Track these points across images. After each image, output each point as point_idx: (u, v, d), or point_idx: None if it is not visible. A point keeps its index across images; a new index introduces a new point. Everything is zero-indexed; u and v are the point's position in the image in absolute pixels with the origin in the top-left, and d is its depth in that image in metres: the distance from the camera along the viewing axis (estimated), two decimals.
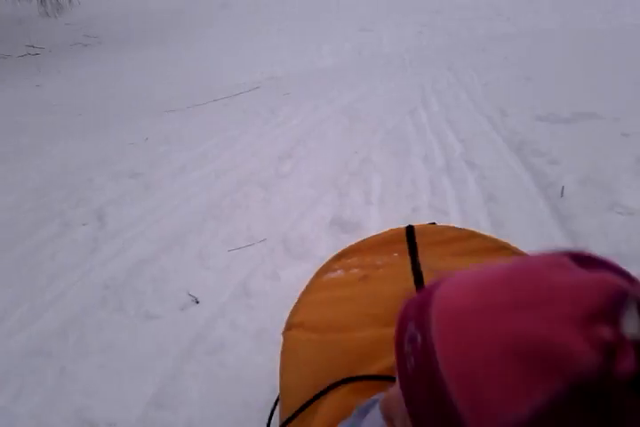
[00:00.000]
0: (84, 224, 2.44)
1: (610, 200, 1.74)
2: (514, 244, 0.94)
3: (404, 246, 1.01)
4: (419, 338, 0.40)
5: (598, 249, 1.47)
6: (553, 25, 6.73)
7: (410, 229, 1.04)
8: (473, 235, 1.03)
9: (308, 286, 1.07)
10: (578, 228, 1.60)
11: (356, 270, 1.05)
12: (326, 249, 1.79)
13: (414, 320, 0.42)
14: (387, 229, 1.00)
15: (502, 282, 0.37)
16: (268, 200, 2.38)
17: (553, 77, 3.42)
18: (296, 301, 1.04)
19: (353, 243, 1.10)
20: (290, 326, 0.99)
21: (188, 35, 11.51)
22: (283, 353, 0.96)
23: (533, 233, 1.63)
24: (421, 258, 0.97)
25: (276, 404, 1.00)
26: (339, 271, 1.07)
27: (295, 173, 2.65)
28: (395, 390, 0.44)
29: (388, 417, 0.47)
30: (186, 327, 1.54)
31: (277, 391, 0.91)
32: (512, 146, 2.40)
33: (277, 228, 2.12)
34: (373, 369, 0.76)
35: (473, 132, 2.70)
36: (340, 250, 1.10)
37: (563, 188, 1.84)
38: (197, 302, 1.69)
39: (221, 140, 3.46)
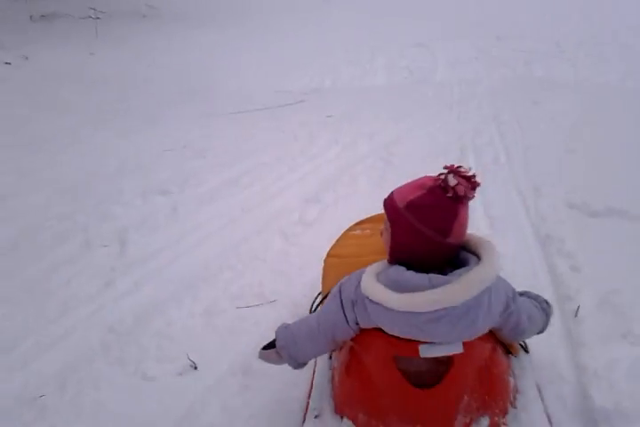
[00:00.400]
0: (105, 246, 2.50)
1: (624, 328, 1.73)
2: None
3: None
4: (389, 204, 1.19)
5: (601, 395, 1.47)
6: (615, 77, 6.55)
7: None
8: None
9: (339, 237, 1.94)
10: (586, 361, 1.60)
11: (367, 231, 1.91)
12: None
13: (388, 202, 1.20)
14: None
15: (416, 185, 1.17)
16: (286, 253, 2.41)
17: (597, 154, 3.37)
18: (333, 242, 1.89)
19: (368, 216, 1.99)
20: (328, 256, 1.83)
21: (248, 21, 11.46)
22: (323, 270, 1.78)
23: (544, 359, 1.62)
24: None
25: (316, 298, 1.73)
26: (357, 231, 1.96)
27: (318, 223, 2.67)
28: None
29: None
30: (178, 400, 1.58)
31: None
32: (539, 238, 2.39)
33: (289, 288, 2.14)
34: None
35: (503, 209, 2.69)
36: (359, 220, 2.00)
37: (578, 307, 1.84)
38: (196, 368, 1.73)
39: (254, 166, 3.49)
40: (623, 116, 4.25)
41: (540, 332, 1.45)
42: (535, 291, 1.47)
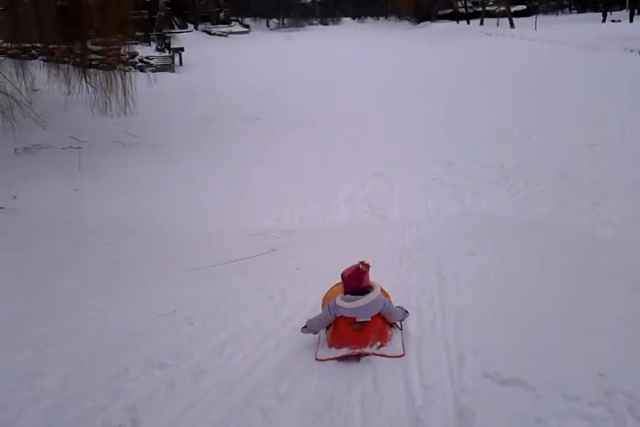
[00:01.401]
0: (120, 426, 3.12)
1: None
2: None
3: None
4: (341, 275, 3.85)
5: None
6: (547, 209, 7.48)
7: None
8: None
9: (327, 291, 4.25)
10: None
11: (336, 286, 4.06)
12: None
13: (342, 275, 3.82)
14: None
15: (349, 268, 3.74)
16: None
17: (519, 317, 4.15)
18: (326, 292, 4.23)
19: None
20: (323, 298, 4.18)
21: (215, 150, 12.44)
22: (322, 300, 4.17)
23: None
24: None
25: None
26: (333, 286, 4.18)
27: (289, 398, 3.34)
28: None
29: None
30: None
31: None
32: (457, 410, 3.09)
33: None
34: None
35: (435, 378, 3.40)
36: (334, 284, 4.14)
37: None
38: None
39: (235, 332, 4.18)
40: (548, 270, 5.11)
41: (401, 320, 3.94)
42: None
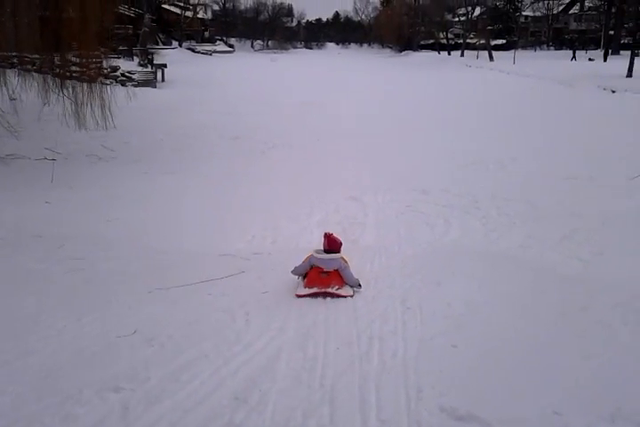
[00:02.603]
0: None
1: None
2: None
3: None
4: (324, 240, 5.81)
5: None
6: (517, 241, 7.60)
7: None
8: None
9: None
10: None
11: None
12: None
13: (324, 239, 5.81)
14: None
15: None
16: None
17: (478, 349, 4.17)
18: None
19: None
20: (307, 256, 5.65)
21: (192, 167, 12.40)
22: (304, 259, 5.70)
23: None
24: None
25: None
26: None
27: None
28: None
29: None
30: None
31: None
32: None
33: None
34: None
35: (392, 413, 3.38)
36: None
37: None
38: None
39: (194, 357, 4.12)
40: (513, 304, 5.15)
41: (353, 286, 5.45)
42: None
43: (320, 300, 5.26)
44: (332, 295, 5.27)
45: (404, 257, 6.69)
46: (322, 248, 5.60)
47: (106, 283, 5.82)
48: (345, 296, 5.27)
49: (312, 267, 5.47)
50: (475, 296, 5.29)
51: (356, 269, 5.66)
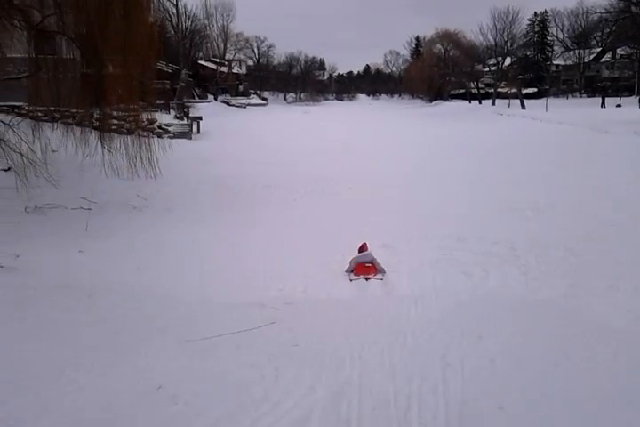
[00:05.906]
0: None
1: None
2: None
3: None
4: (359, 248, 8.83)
5: None
6: (560, 291, 7.18)
7: None
8: None
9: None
10: None
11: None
12: None
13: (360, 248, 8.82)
14: None
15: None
16: None
17: (529, 413, 3.82)
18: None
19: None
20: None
21: (224, 216, 12.34)
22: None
23: None
24: None
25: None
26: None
27: None
28: None
29: None
30: None
31: None
32: None
33: None
34: None
35: None
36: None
37: None
38: None
39: (215, 420, 3.87)
40: (560, 360, 4.78)
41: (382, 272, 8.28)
42: None
43: (355, 355, 4.97)
44: (370, 278, 7.98)
45: (441, 307, 6.39)
46: (357, 253, 8.48)
47: (132, 334, 5.65)
48: (379, 279, 8.00)
49: (357, 264, 8.19)
50: (520, 352, 4.94)
51: (391, 319, 5.36)
